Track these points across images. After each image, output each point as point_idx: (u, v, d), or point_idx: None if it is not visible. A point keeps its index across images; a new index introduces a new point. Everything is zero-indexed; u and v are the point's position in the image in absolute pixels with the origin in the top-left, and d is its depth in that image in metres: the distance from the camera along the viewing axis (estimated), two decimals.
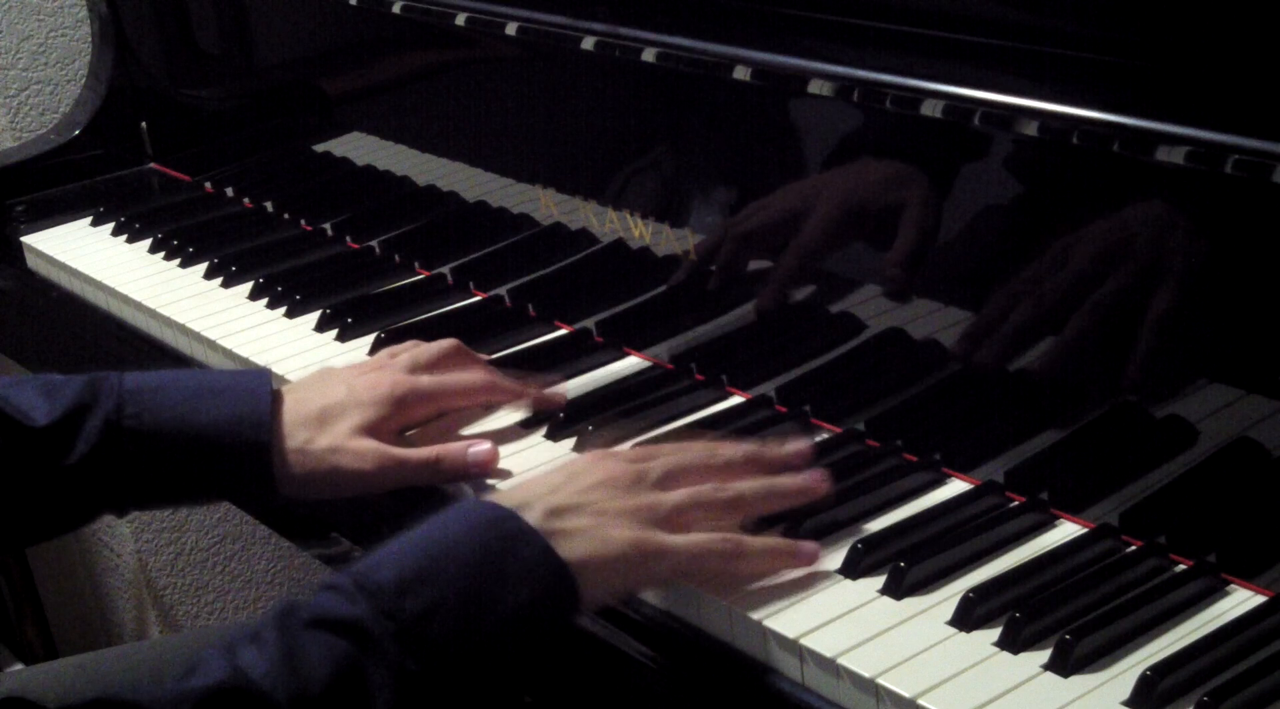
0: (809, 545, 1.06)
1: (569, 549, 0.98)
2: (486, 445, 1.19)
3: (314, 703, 0.89)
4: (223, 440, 1.15)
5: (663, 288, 1.38)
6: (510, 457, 1.22)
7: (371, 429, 1.18)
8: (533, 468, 1.20)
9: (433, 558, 0.95)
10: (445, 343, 1.28)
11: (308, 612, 0.92)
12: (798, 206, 1.24)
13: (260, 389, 1.18)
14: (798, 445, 1.13)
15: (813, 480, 1.10)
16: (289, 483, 1.16)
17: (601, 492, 1.03)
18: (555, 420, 1.26)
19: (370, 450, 1.17)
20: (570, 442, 1.24)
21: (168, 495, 1.19)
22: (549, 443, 1.24)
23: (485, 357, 1.39)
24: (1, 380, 1.18)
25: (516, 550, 0.96)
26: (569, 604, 0.98)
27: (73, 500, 1.17)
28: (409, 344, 1.28)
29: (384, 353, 1.29)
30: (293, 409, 1.18)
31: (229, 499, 1.24)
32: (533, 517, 0.99)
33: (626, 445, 1.19)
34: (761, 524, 1.09)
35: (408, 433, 1.23)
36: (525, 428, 1.27)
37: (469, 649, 0.93)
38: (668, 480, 1.06)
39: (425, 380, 1.23)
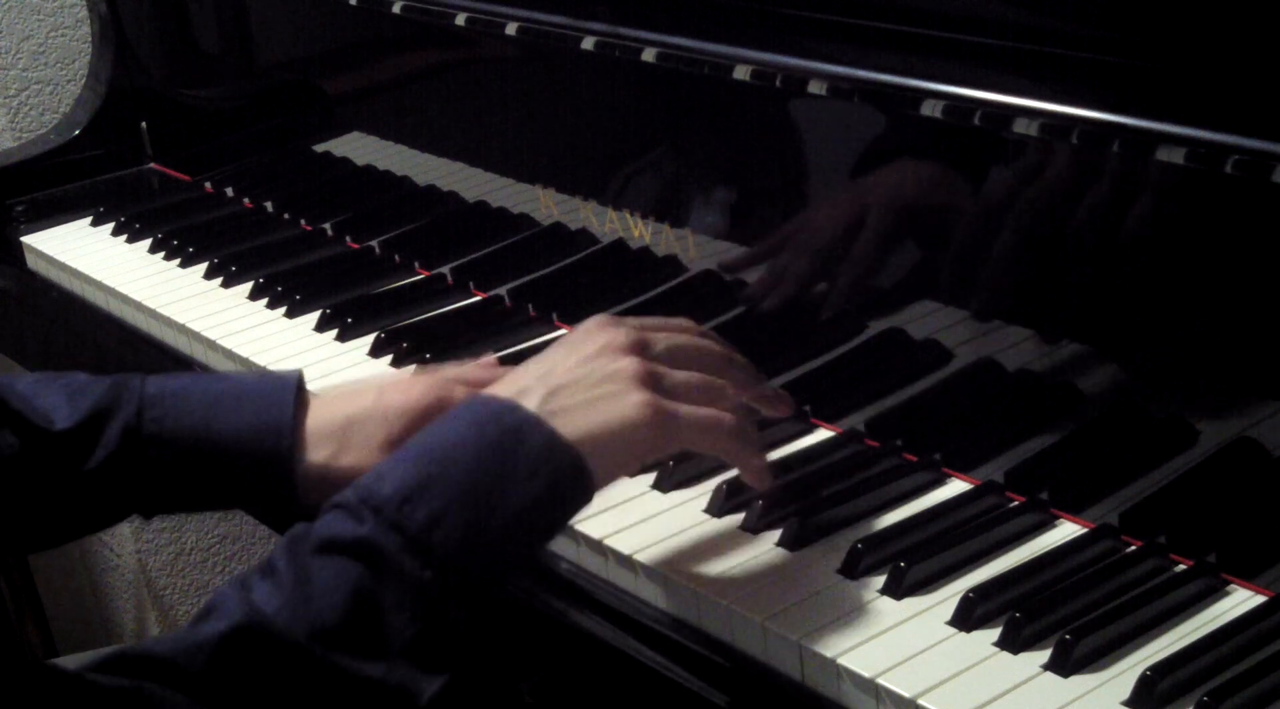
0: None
1: (575, 426, 0.95)
2: None
3: (331, 631, 0.87)
4: (243, 449, 1.12)
5: (663, 288, 1.38)
6: None
7: (396, 442, 1.12)
8: None
9: (435, 463, 0.92)
10: (487, 364, 1.23)
11: (316, 536, 0.90)
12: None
13: (284, 397, 1.13)
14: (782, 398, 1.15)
15: (786, 397, 1.13)
16: (311, 495, 1.12)
17: (604, 359, 0.99)
18: None
19: None
20: None
21: (188, 502, 1.17)
22: None
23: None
24: (27, 378, 1.16)
25: (521, 443, 0.93)
26: (581, 488, 0.95)
27: (93, 504, 1.15)
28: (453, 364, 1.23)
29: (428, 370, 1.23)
30: (317, 419, 1.13)
31: (249, 508, 1.21)
32: (533, 402, 0.95)
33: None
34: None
35: None
36: None
37: (480, 550, 0.91)
38: (671, 354, 1.03)
39: (460, 393, 1.15)
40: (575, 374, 0.98)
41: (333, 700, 0.88)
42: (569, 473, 0.94)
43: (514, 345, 1.43)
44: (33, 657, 0.93)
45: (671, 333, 1.06)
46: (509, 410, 0.95)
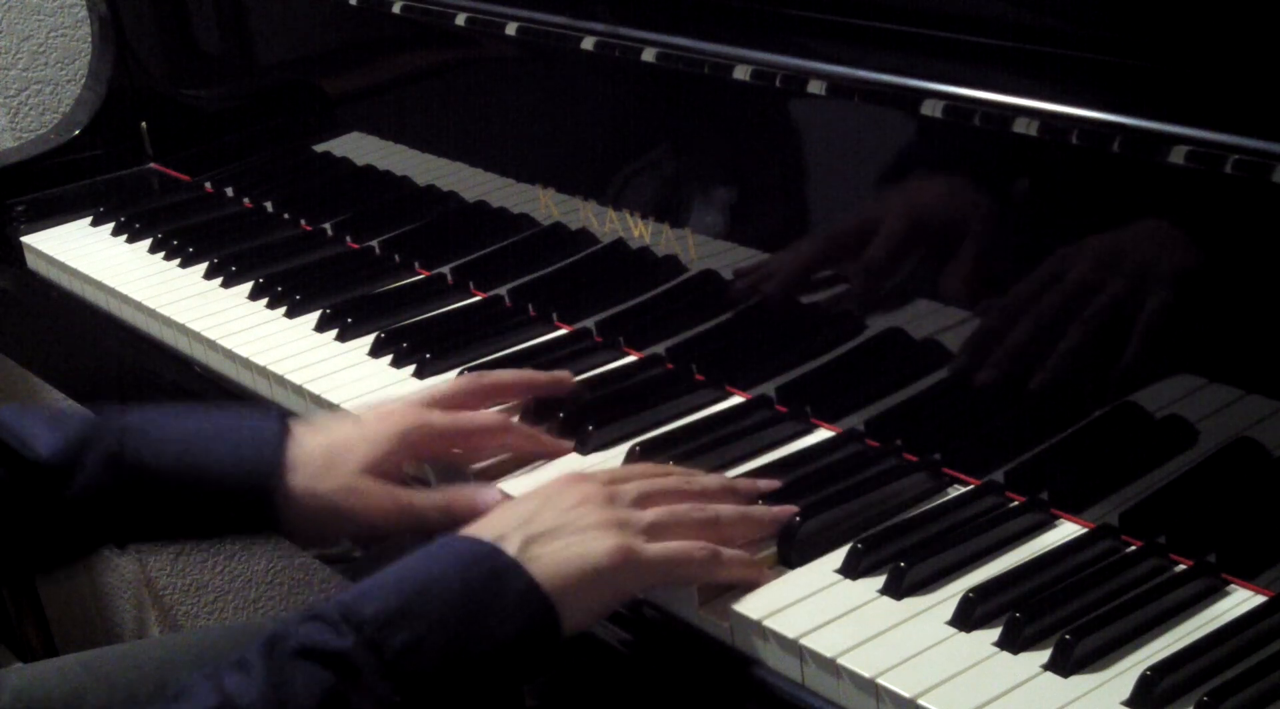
0: (777, 510, 1.09)
1: (549, 573, 0.98)
2: (496, 493, 1.18)
3: None
4: (225, 483, 1.13)
5: (663, 288, 1.38)
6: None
7: (377, 466, 1.16)
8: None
9: (418, 593, 0.95)
10: (467, 381, 1.27)
11: (295, 641, 0.93)
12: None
13: (268, 432, 1.16)
14: (770, 482, 1.14)
15: (786, 512, 1.10)
16: (294, 523, 1.15)
17: (578, 511, 1.03)
18: (555, 422, 1.26)
19: (379, 494, 1.15)
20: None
21: (169, 532, 1.19)
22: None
23: (486, 357, 1.39)
24: (6, 408, 1.17)
25: (500, 586, 0.97)
26: (551, 636, 0.98)
27: (73, 533, 1.16)
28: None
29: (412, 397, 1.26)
30: (298, 448, 1.15)
31: (233, 538, 1.23)
32: (512, 547, 0.99)
33: (624, 447, 1.21)
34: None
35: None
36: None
37: (451, 682, 0.95)
38: (643, 500, 1.07)
39: (438, 417, 1.21)
40: (551, 523, 1.02)
41: None
42: (542, 619, 0.98)
43: (514, 345, 1.43)
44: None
45: (640, 478, 1.10)
46: (491, 553, 0.99)
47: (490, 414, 1.26)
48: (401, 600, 0.94)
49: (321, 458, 1.15)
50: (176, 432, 1.16)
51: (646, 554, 1.02)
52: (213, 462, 1.14)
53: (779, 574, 1.07)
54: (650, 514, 1.05)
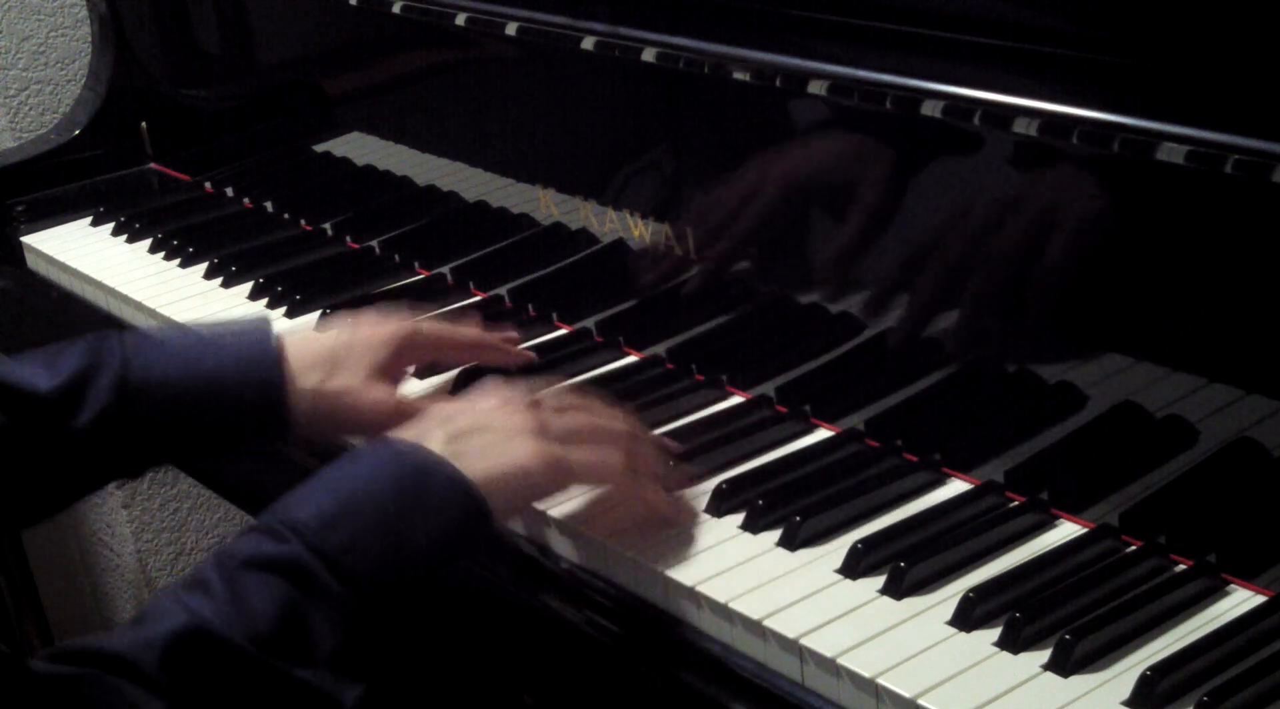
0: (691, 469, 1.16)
1: (472, 467, 1.03)
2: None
3: (265, 639, 0.93)
4: (234, 379, 1.17)
5: (663, 288, 1.38)
6: None
7: (381, 369, 1.21)
8: None
9: (349, 494, 0.99)
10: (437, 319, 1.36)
11: (242, 554, 0.96)
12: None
13: (263, 331, 1.20)
14: (675, 444, 1.21)
15: (685, 474, 1.17)
16: (302, 423, 1.19)
17: (500, 413, 1.08)
18: None
19: (382, 394, 1.20)
20: None
21: (182, 447, 1.20)
22: None
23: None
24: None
25: (428, 480, 1.01)
26: (481, 521, 1.03)
27: (87, 463, 1.17)
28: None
29: (385, 306, 1.33)
30: (299, 350, 1.19)
31: (244, 443, 1.23)
32: (435, 444, 1.04)
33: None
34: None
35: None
36: None
37: (393, 574, 0.98)
38: (562, 409, 1.12)
39: (426, 325, 1.29)
40: (474, 422, 1.07)
41: (269, 701, 0.94)
42: (471, 508, 1.02)
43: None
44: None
45: (560, 395, 1.16)
46: (414, 449, 1.03)
47: (469, 329, 1.33)
48: (335, 504, 0.98)
49: (326, 359, 1.19)
50: (176, 346, 1.19)
51: (565, 458, 1.08)
52: (218, 366, 1.17)
53: (695, 520, 1.12)
54: (567, 418, 1.11)
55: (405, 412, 1.19)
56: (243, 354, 1.18)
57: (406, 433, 1.06)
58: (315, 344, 1.21)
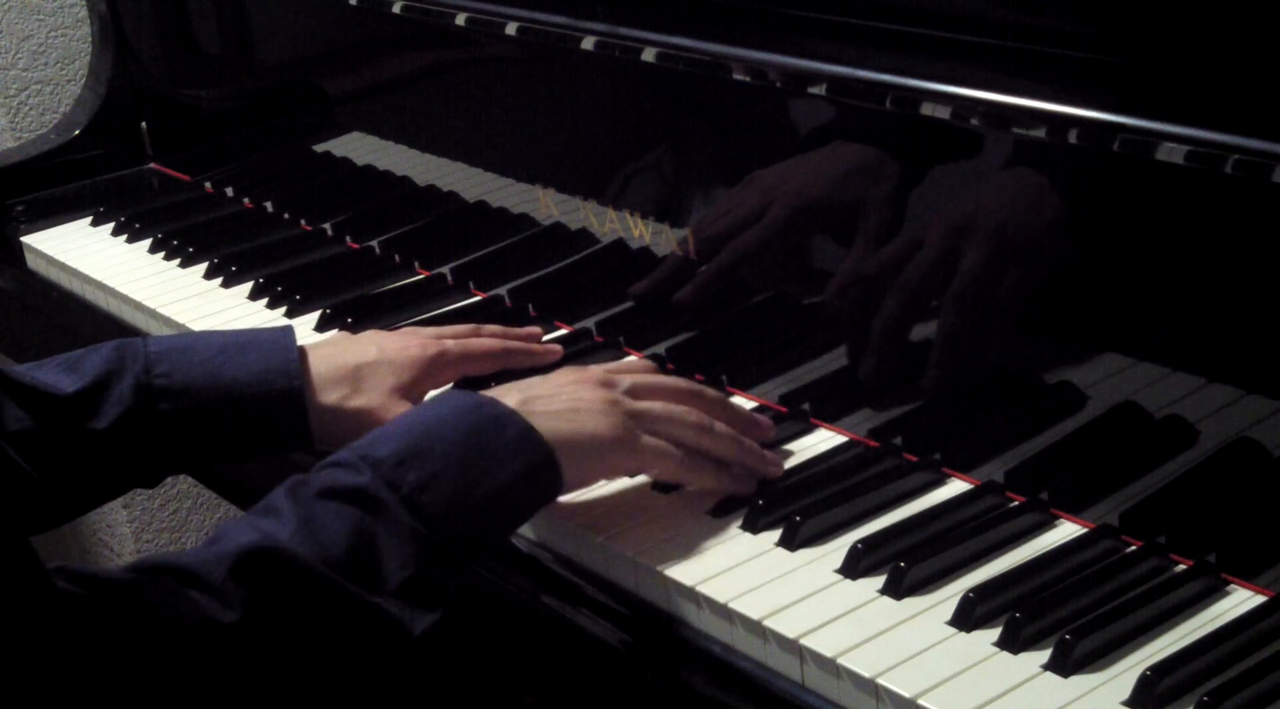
0: (772, 456, 1.16)
1: (545, 426, 1.05)
2: None
3: (337, 562, 0.95)
4: (256, 390, 1.18)
5: (663, 287, 1.38)
6: None
7: (405, 390, 1.22)
8: None
9: (425, 437, 1.01)
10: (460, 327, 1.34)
11: (317, 483, 0.98)
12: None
13: (287, 342, 1.21)
14: (768, 421, 1.21)
15: (774, 458, 1.17)
16: (323, 437, 1.19)
17: (576, 387, 1.11)
18: None
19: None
20: None
21: (203, 454, 1.20)
22: None
23: None
24: (21, 367, 1.18)
25: (501, 430, 1.03)
26: (552, 478, 1.05)
27: (104, 468, 1.17)
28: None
29: (408, 329, 1.33)
30: (324, 364, 1.21)
31: (263, 454, 1.23)
32: (510, 402, 1.06)
33: None
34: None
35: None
36: None
37: (463, 515, 1.00)
38: (637, 392, 1.13)
39: (451, 344, 1.28)
40: (551, 391, 1.10)
41: (340, 622, 0.95)
42: (542, 462, 1.04)
43: None
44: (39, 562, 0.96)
45: (636, 373, 1.18)
46: (490, 402, 1.06)
47: (492, 340, 1.32)
48: (411, 443, 1.00)
49: (350, 376, 1.21)
50: (200, 353, 1.19)
51: (638, 438, 1.09)
52: (240, 377, 1.18)
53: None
54: (643, 403, 1.12)
55: None
56: (266, 366, 1.19)
57: (487, 393, 1.08)
58: (339, 360, 1.22)
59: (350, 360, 1.22)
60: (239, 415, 1.18)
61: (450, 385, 1.28)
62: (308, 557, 0.94)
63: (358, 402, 1.20)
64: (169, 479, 2.30)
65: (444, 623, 0.98)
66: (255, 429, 1.19)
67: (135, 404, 1.15)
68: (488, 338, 1.32)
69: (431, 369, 1.25)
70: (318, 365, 1.20)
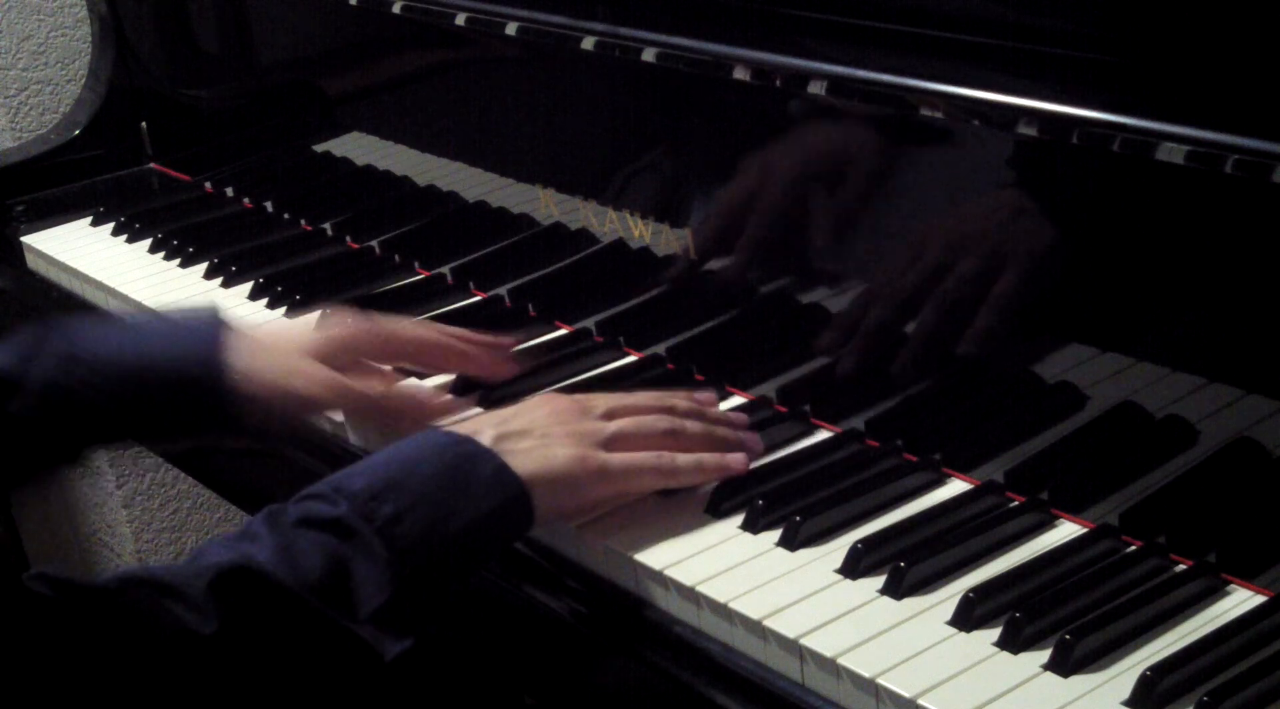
0: (737, 456, 1.17)
1: (518, 465, 1.07)
2: (431, 389, 1.32)
3: (313, 587, 0.97)
4: (175, 364, 1.20)
5: (663, 288, 1.38)
6: None
7: (317, 351, 1.25)
8: None
9: (400, 470, 1.04)
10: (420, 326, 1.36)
11: (295, 513, 1.01)
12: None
13: (206, 319, 1.23)
14: (741, 416, 1.23)
15: (751, 438, 1.20)
16: (240, 404, 1.20)
17: (548, 419, 1.13)
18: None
19: (319, 374, 1.24)
20: None
21: (122, 428, 1.23)
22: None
23: None
24: None
25: (474, 467, 1.05)
26: (524, 515, 1.07)
27: (27, 443, 1.20)
28: None
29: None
30: (241, 335, 1.22)
31: (183, 427, 1.25)
32: (485, 439, 1.08)
33: None
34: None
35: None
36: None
37: (436, 548, 1.02)
38: (611, 414, 1.15)
39: (380, 320, 1.31)
40: (525, 425, 1.11)
41: (314, 642, 0.98)
42: (515, 498, 1.06)
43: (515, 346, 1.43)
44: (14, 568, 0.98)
45: (613, 396, 1.19)
46: (465, 440, 1.08)
47: (429, 330, 1.34)
48: (387, 477, 1.03)
49: (266, 341, 1.24)
50: (124, 329, 1.25)
51: (607, 464, 1.11)
52: (160, 349, 1.21)
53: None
54: (614, 425, 1.14)
55: (345, 392, 1.24)
56: (187, 338, 1.21)
57: (462, 428, 1.10)
58: (258, 333, 1.25)
59: (269, 330, 1.26)
60: (156, 387, 1.20)
61: (411, 381, 1.32)
62: (285, 578, 0.96)
63: (274, 365, 1.21)
64: (169, 479, 2.32)
65: (420, 648, 1.00)
66: (173, 400, 1.20)
67: (56, 376, 1.17)
68: (424, 328, 1.34)
69: (349, 342, 1.27)
70: (236, 337, 1.21)
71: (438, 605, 1.02)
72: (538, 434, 1.10)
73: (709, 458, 1.16)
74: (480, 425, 1.11)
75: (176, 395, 1.20)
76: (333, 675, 0.99)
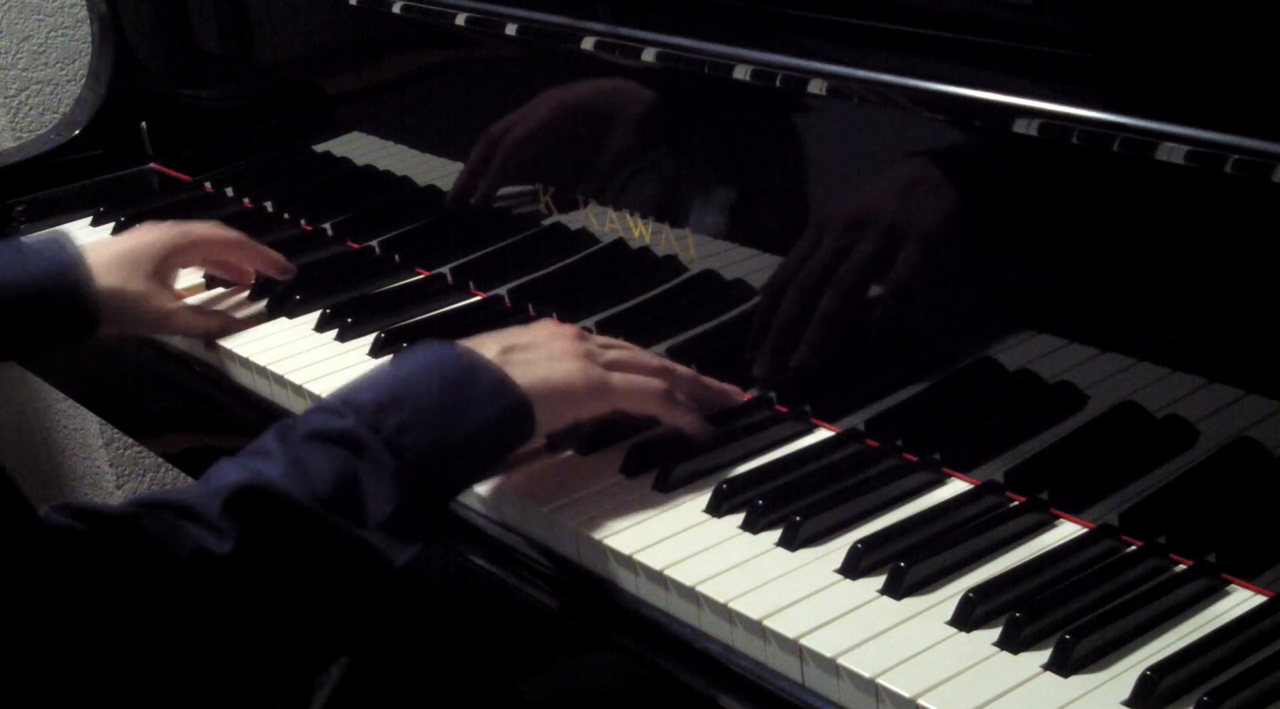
0: (735, 388, 1.27)
1: (520, 375, 1.12)
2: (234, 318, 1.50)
3: (324, 499, 1.00)
4: (32, 278, 1.34)
5: (663, 288, 1.38)
6: None
7: (160, 271, 1.44)
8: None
9: (406, 384, 1.08)
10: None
11: (304, 427, 1.05)
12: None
13: (64, 242, 1.38)
14: (736, 390, 1.29)
15: (735, 389, 1.27)
16: (106, 320, 1.37)
17: (550, 338, 1.19)
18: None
19: (162, 296, 1.44)
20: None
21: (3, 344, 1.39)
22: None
23: None
24: None
25: (477, 379, 1.10)
26: (526, 423, 1.12)
27: None
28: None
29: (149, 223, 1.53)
30: (98, 255, 1.38)
31: (44, 336, 1.39)
32: (490, 354, 1.13)
33: (624, 447, 1.22)
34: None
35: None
36: None
37: (441, 457, 1.06)
38: (609, 348, 1.22)
39: (188, 226, 1.50)
40: (527, 341, 1.17)
41: (328, 553, 1.00)
42: (516, 408, 1.11)
43: None
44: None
45: (605, 336, 1.27)
46: (468, 352, 1.13)
47: (236, 234, 1.53)
48: (392, 389, 1.07)
49: (120, 262, 1.40)
50: None
51: (607, 379, 1.17)
52: (13, 270, 1.34)
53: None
54: (613, 353, 1.21)
55: (168, 316, 1.44)
56: (54, 259, 1.36)
57: (468, 343, 1.14)
58: (110, 249, 1.41)
59: (117, 248, 1.42)
60: (33, 305, 1.33)
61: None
62: (297, 493, 0.99)
63: (134, 286, 1.39)
64: (169, 479, 2.31)
65: (423, 557, 1.04)
66: (47, 315, 1.35)
67: None
68: (223, 228, 1.52)
69: (177, 250, 1.46)
70: (94, 255, 1.37)
71: (439, 517, 1.08)
72: (542, 348, 1.16)
73: (710, 382, 1.23)
74: (485, 340, 1.16)
75: (48, 314, 1.34)
76: (345, 584, 1.01)
